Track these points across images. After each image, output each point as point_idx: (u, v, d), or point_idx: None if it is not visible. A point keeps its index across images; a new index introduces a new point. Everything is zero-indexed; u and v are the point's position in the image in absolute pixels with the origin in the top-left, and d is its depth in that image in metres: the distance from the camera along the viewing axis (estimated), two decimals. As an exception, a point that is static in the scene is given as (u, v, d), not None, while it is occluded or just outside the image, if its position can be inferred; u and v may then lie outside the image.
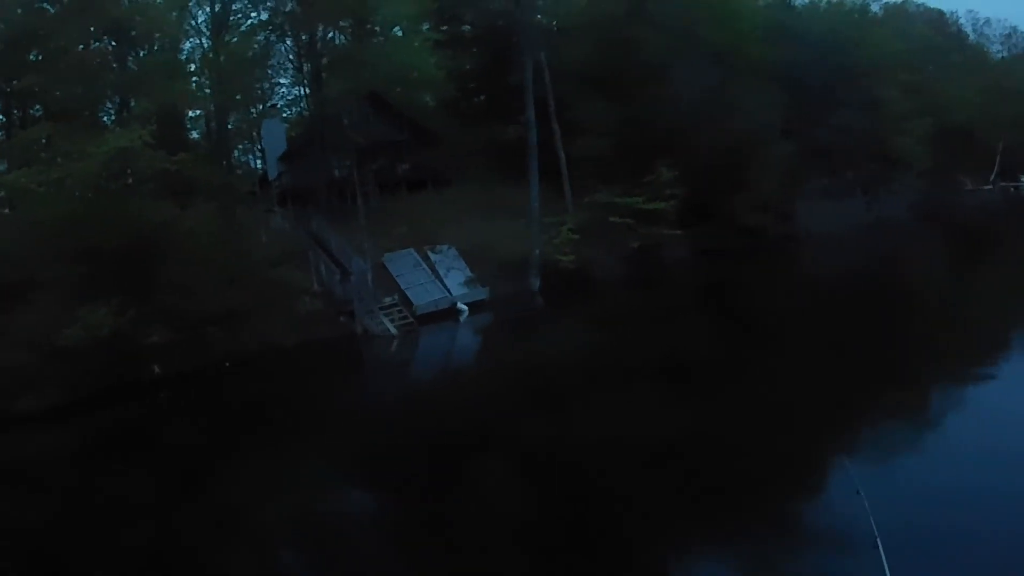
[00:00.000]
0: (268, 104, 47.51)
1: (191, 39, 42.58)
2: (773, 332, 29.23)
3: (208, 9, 41.96)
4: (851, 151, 55.01)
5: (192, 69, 42.14)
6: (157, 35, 39.95)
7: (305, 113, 49.87)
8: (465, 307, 38.93)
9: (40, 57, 36.81)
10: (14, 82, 36.56)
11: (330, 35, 45.98)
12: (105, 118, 39.18)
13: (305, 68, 46.15)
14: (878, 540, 7.63)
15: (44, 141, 34.68)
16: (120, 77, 38.31)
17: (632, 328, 32.54)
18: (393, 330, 36.47)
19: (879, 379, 21.16)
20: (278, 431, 23.99)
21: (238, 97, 42.99)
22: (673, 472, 16.08)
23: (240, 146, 50.53)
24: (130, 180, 34.41)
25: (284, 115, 50.08)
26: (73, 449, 24.54)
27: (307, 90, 47.40)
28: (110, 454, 23.81)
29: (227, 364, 32.74)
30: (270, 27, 43.39)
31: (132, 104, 38.52)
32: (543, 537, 14.12)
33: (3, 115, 40.89)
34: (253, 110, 45.52)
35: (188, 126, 46.64)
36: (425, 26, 46.59)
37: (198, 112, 45.33)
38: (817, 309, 32.39)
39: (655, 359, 26.57)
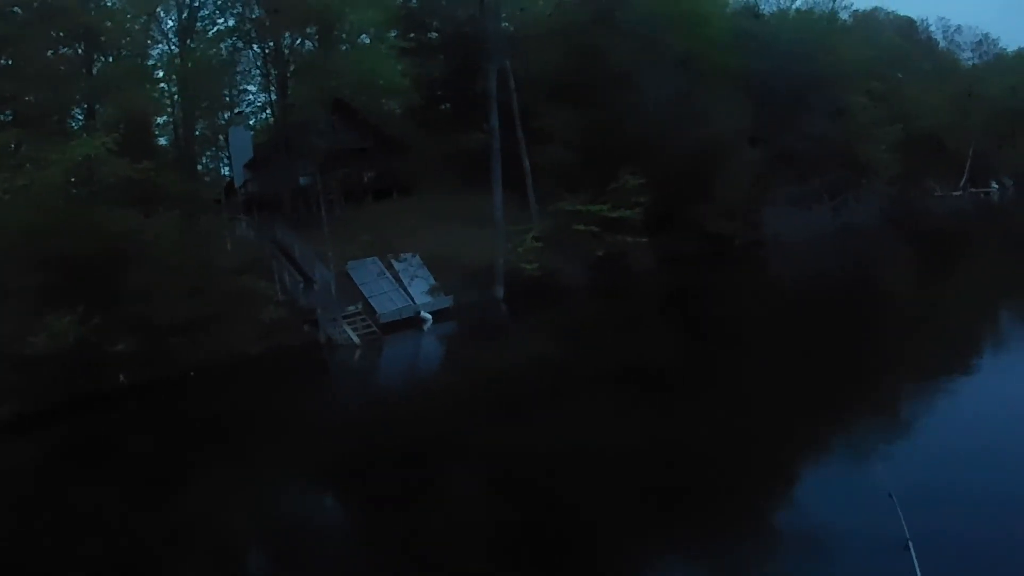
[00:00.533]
0: (235, 111, 46.51)
1: (159, 44, 41.57)
2: (744, 340, 28.99)
3: (175, 15, 41.33)
4: (818, 158, 54.42)
5: (159, 75, 41.37)
6: (125, 40, 39.10)
7: (271, 121, 49.02)
8: (429, 316, 38.22)
9: (9, 62, 36.19)
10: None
11: (297, 42, 45.23)
12: (73, 124, 38.05)
13: (271, 75, 45.40)
14: (909, 542, 7.66)
15: (12, 147, 34.09)
16: (88, 83, 37.60)
17: (596, 336, 32.15)
18: (355, 339, 35.78)
19: (850, 383, 21.27)
20: (241, 441, 23.79)
21: (204, 104, 42.34)
22: (666, 478, 16.09)
23: (208, 153, 49.67)
24: (95, 188, 33.80)
25: (251, 122, 49.14)
26: (35, 459, 24.50)
27: (273, 97, 46.56)
28: (71, 464, 23.36)
29: (191, 373, 32.30)
30: (236, 34, 42.73)
31: (99, 110, 37.86)
32: (510, 547, 14.09)
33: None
34: (219, 117, 44.57)
35: (156, 132, 45.76)
36: (392, 33, 45.82)
37: (166, 118, 44.64)
38: (785, 315, 32.16)
39: (620, 367, 26.14)
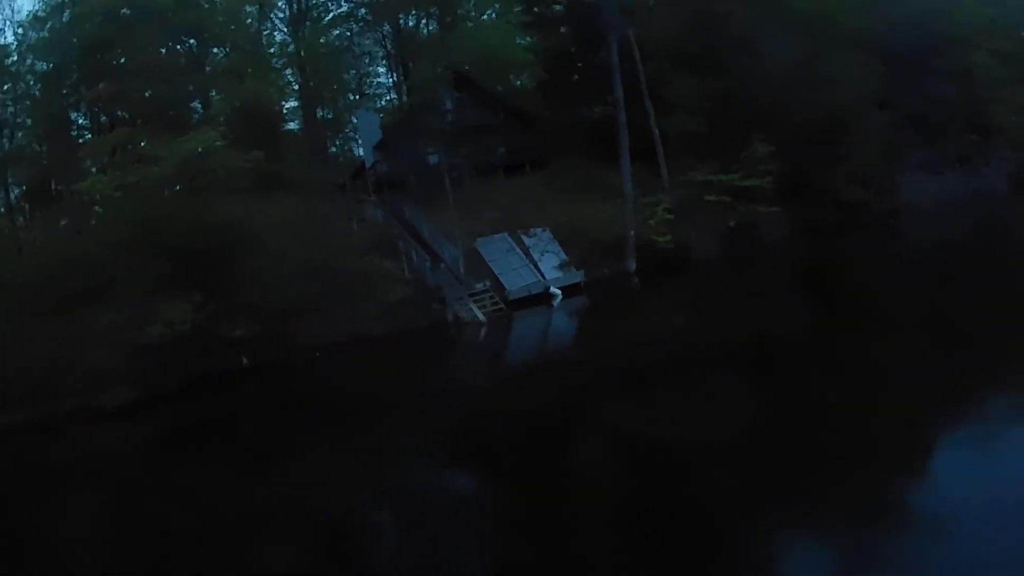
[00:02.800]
0: (360, 94, 43.91)
1: (277, 32, 39.25)
2: (889, 315, 23.30)
3: (286, 4, 39.07)
4: (947, 122, 49.03)
5: (277, 64, 39.09)
6: (236, 33, 36.95)
7: (396, 102, 46.28)
8: (559, 291, 34.80)
9: (121, 61, 34.44)
10: (99, 86, 34.23)
11: (421, 22, 42.33)
12: (189, 118, 36.15)
13: (393, 56, 42.63)
14: None
15: (126, 146, 32.38)
16: (200, 77, 35.61)
17: (731, 310, 27.66)
18: (481, 317, 32.67)
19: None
20: (362, 419, 21.81)
21: (326, 89, 39.99)
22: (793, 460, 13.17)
23: (340, 137, 47.37)
24: (209, 179, 31.93)
25: (378, 104, 46.44)
26: (147, 441, 23.60)
27: (398, 78, 43.80)
28: (187, 443, 22.46)
29: (317, 354, 30.11)
30: (351, 18, 40.13)
31: (213, 102, 35.84)
32: (635, 523, 12.14)
33: (89, 121, 38.35)
34: (344, 101, 42.04)
35: (286, 119, 43.55)
36: (517, 8, 42.43)
37: (295, 104, 42.53)
38: (932, 290, 25.74)
39: (758, 343, 21.74)
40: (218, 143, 31.39)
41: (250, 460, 19.48)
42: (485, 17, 42.76)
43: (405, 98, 44.83)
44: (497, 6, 41.58)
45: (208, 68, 38.07)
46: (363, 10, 40.01)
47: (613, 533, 12.07)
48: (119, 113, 37.36)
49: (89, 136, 38.22)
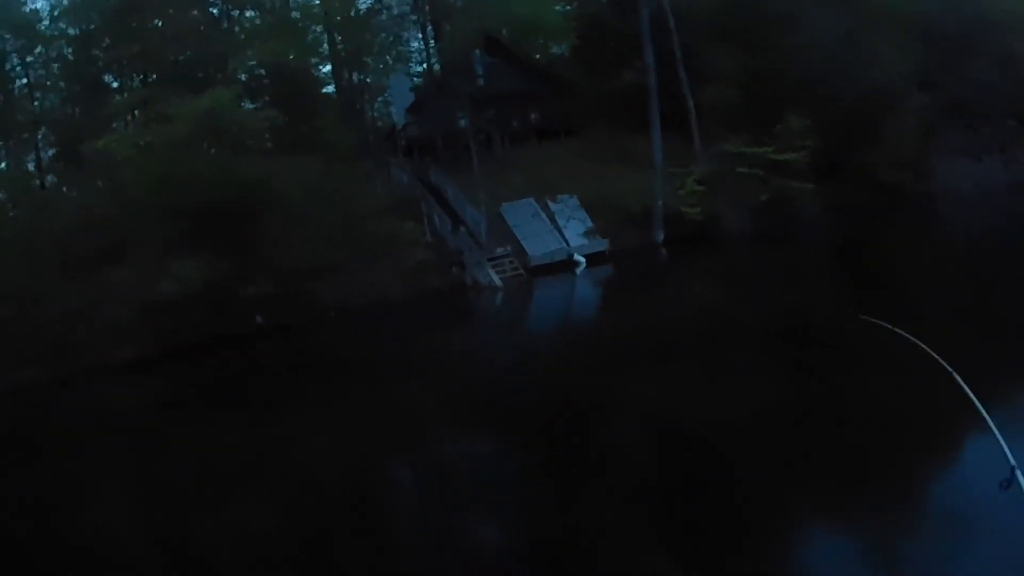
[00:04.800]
0: (394, 59, 41.55)
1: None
2: (923, 299, 19.80)
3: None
4: (988, 107, 45.82)
5: (306, 26, 36.95)
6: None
7: (426, 67, 43.94)
8: (582, 259, 32.40)
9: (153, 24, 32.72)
10: (126, 48, 32.68)
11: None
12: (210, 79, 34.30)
13: (426, 19, 40.29)
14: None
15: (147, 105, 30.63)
16: (223, 38, 33.73)
17: (760, 286, 24.77)
18: (498, 281, 30.44)
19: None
20: (367, 379, 20.02)
21: (356, 51, 37.78)
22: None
23: (378, 101, 45.08)
24: (230, 139, 30.22)
25: (412, 68, 44.16)
26: (155, 394, 22.24)
27: (430, 42, 41.44)
28: (191, 398, 21.09)
29: (332, 314, 28.63)
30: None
31: (233, 63, 33.94)
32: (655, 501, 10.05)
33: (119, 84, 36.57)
34: (375, 63, 39.76)
35: (320, 82, 41.34)
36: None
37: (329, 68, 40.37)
38: (966, 276, 22.12)
39: (784, 320, 18.83)
40: (232, 101, 29.58)
41: (248, 415, 18.05)
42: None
43: (436, 63, 42.50)
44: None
45: (234, 29, 36.09)
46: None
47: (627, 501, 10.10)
48: (147, 76, 35.62)
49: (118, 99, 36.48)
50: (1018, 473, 4.26)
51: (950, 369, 5.87)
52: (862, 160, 38.81)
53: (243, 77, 35.06)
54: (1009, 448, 4.45)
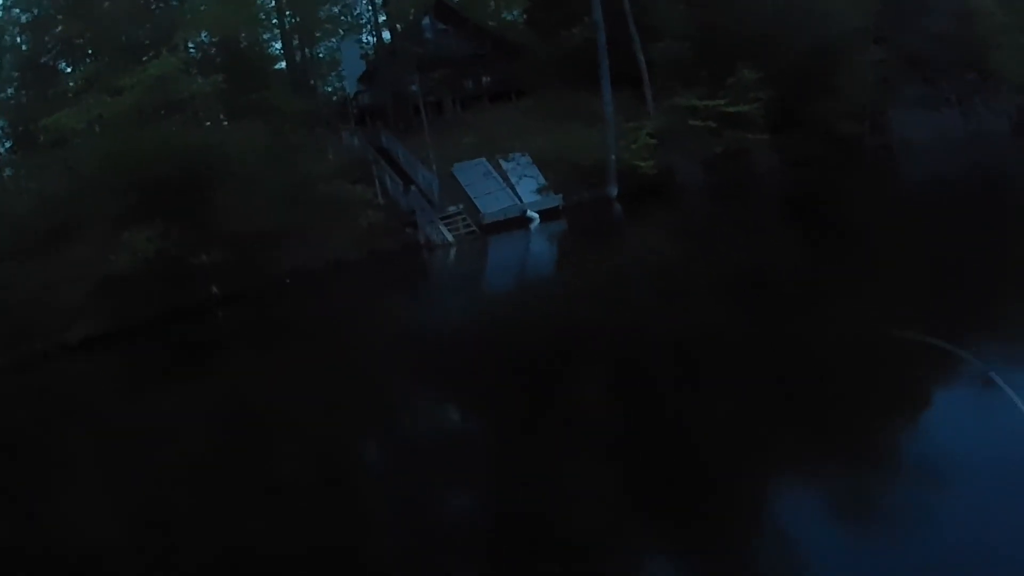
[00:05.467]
0: (344, 29, 41.03)
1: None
2: (882, 252, 18.50)
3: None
4: (945, 61, 45.47)
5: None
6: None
7: (376, 36, 43.37)
8: (536, 215, 31.93)
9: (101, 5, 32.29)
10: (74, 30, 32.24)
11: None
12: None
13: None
14: None
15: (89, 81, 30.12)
16: (175, 14, 33.26)
17: (714, 238, 24.13)
18: (450, 238, 29.98)
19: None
20: (324, 345, 19.58)
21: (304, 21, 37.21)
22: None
23: (332, 74, 44.51)
24: (172, 107, 29.95)
25: (362, 37, 43.60)
26: (114, 371, 22.12)
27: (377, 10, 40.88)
28: (144, 373, 20.80)
29: (287, 281, 28.29)
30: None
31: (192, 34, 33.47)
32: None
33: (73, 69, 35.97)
34: (322, 36, 39.26)
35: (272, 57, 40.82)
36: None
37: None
38: (925, 227, 20.98)
39: (739, 271, 18.14)
40: (179, 68, 29.25)
41: (200, 387, 17.58)
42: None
43: (387, 31, 42.00)
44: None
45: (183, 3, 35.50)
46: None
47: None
48: (99, 57, 35.04)
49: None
50: None
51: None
52: (817, 112, 38.39)
53: (192, 49, 34.62)
54: None
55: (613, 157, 33.85)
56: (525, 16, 42.03)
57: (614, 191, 34.08)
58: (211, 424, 14.29)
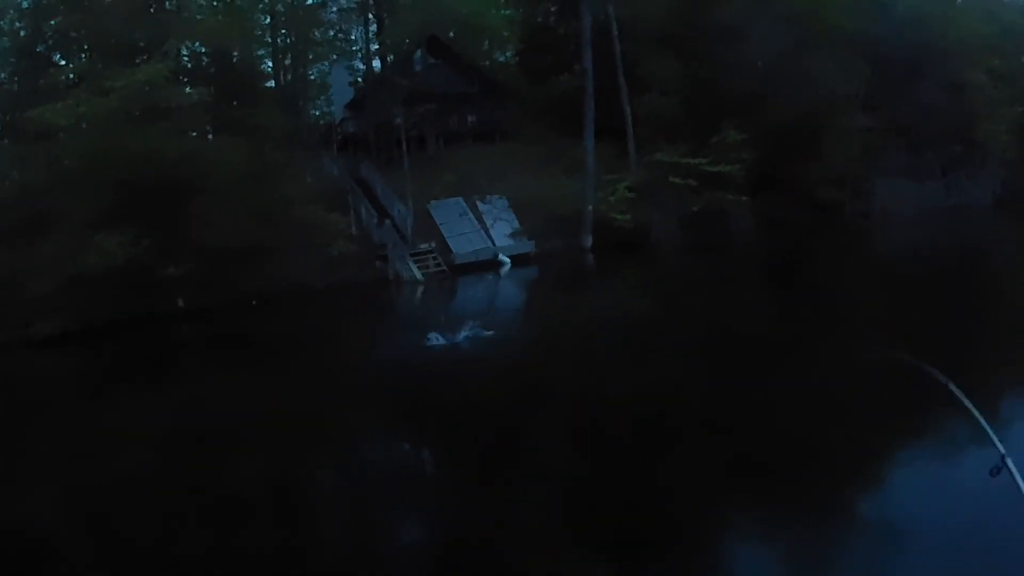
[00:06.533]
0: (336, 52, 40.71)
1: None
2: (848, 315, 19.07)
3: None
4: (933, 131, 45.35)
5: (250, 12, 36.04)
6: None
7: (369, 61, 43.11)
8: (507, 259, 31.64)
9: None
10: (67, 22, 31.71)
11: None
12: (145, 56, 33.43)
13: (370, 15, 39.46)
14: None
15: (74, 78, 29.70)
16: (171, 18, 32.79)
17: (685, 295, 24.03)
18: (419, 276, 29.59)
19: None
20: (267, 361, 19.73)
21: (298, 43, 36.89)
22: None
23: (322, 97, 44.13)
24: (155, 114, 29.10)
25: (352, 63, 43.22)
26: (69, 370, 21.81)
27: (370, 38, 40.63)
28: (102, 376, 20.51)
29: (253, 302, 27.72)
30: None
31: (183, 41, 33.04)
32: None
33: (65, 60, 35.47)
34: (314, 55, 38.89)
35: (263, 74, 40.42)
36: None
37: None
38: (893, 296, 21.11)
39: (707, 329, 18.10)
40: (166, 77, 28.71)
41: (153, 390, 17.71)
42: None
43: (378, 60, 41.76)
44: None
45: (179, 10, 35.09)
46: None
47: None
48: (92, 52, 34.63)
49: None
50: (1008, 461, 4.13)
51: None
52: (799, 176, 38.26)
53: (185, 57, 34.36)
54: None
55: (590, 208, 33.66)
56: (517, 58, 41.78)
57: (588, 242, 33.85)
58: (141, 436, 13.83)
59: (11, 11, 35.25)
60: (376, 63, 42.48)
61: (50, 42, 34.91)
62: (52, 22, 33.65)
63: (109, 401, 16.95)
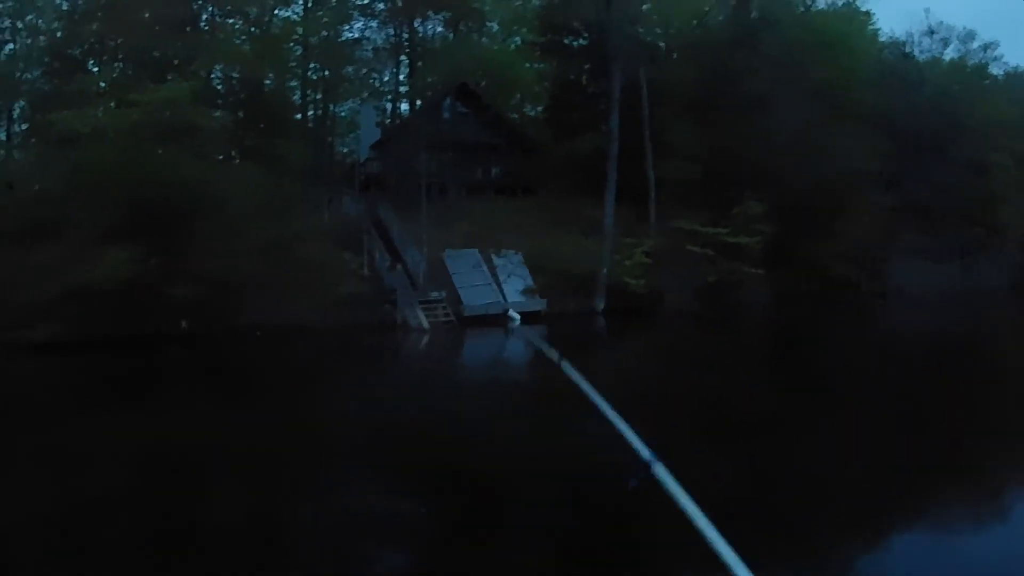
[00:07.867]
0: (367, 91, 40.63)
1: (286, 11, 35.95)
2: (858, 395, 18.51)
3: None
4: (953, 212, 44.95)
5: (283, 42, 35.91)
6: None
7: (397, 105, 43.01)
8: (517, 316, 31.20)
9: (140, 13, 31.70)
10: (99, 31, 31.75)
11: (428, 27, 39.01)
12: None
13: (402, 58, 39.41)
14: None
15: (103, 86, 29.54)
16: (204, 40, 32.73)
17: (693, 366, 23.01)
18: (426, 324, 29.30)
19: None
20: (260, 394, 19.28)
21: (329, 78, 36.78)
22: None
23: (350, 135, 43.98)
24: (181, 135, 28.94)
25: (380, 104, 43.14)
26: (55, 382, 21.29)
27: (401, 79, 40.53)
28: (91, 387, 20.11)
29: (257, 333, 27.33)
30: (368, 12, 36.87)
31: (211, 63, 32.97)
32: None
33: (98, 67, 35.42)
34: (345, 93, 38.79)
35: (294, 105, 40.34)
36: (524, 30, 39.06)
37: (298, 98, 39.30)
38: (903, 379, 20.52)
39: (715, 404, 17.05)
40: (189, 96, 28.54)
41: (138, 408, 17.39)
42: (497, 28, 38.78)
43: (406, 103, 41.65)
44: (504, 24, 37.79)
45: (214, 32, 35.05)
46: (381, 4, 36.49)
47: None
48: (125, 64, 34.72)
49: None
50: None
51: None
52: (816, 252, 37.93)
53: (217, 80, 34.33)
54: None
55: (605, 271, 33.31)
56: (546, 113, 41.61)
57: (601, 304, 33.48)
58: (114, 456, 13.39)
59: (50, 10, 35.31)
60: (404, 105, 42.32)
61: (84, 47, 34.99)
62: (91, 25, 33.66)
63: (71, 412, 16.74)
